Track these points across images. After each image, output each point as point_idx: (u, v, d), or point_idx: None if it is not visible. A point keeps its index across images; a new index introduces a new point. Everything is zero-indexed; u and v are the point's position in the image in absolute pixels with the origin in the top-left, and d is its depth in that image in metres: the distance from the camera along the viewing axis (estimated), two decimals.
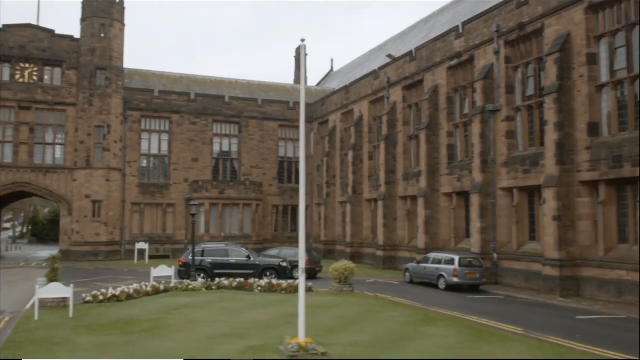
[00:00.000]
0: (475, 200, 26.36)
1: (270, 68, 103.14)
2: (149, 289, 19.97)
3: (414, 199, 32.54)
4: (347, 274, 21.74)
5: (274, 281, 22.20)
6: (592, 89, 21.61)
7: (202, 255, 25.77)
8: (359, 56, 56.97)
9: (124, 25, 42.03)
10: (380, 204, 34.83)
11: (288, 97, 49.84)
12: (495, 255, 25.66)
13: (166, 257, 40.46)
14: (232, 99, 45.92)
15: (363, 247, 38.41)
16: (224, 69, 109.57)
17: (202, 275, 24.95)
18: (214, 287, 21.40)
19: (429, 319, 15.83)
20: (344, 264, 21.98)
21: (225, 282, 22.05)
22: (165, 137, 43.96)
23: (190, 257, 25.17)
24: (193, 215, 26.22)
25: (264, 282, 21.98)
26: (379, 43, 52.46)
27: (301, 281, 11.53)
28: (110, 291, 18.51)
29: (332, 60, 60.00)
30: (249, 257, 25.72)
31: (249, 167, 45.90)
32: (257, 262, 25.65)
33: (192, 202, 27.72)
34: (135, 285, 19.94)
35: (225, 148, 46.12)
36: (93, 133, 39.89)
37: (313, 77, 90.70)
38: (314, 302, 18.75)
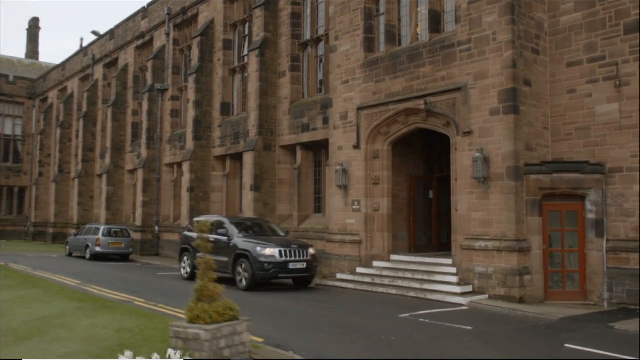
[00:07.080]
0: (140, 175, 27.25)
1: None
2: None
3: None
4: None
5: None
6: (226, 72, 23.66)
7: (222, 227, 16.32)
8: None
9: None
10: (76, 182, 34.26)
11: (12, 70, 46.46)
12: (157, 228, 26.76)
13: None
14: None
15: (68, 227, 37.35)
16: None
17: (186, 257, 17.58)
18: None
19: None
20: None
21: None
22: None
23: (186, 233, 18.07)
24: None
25: None
26: None
27: None
28: None
29: (81, 39, 56.89)
30: (227, 236, 15.92)
31: None
32: (232, 244, 15.65)
33: None
34: None
35: None
36: None
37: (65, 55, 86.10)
38: None
